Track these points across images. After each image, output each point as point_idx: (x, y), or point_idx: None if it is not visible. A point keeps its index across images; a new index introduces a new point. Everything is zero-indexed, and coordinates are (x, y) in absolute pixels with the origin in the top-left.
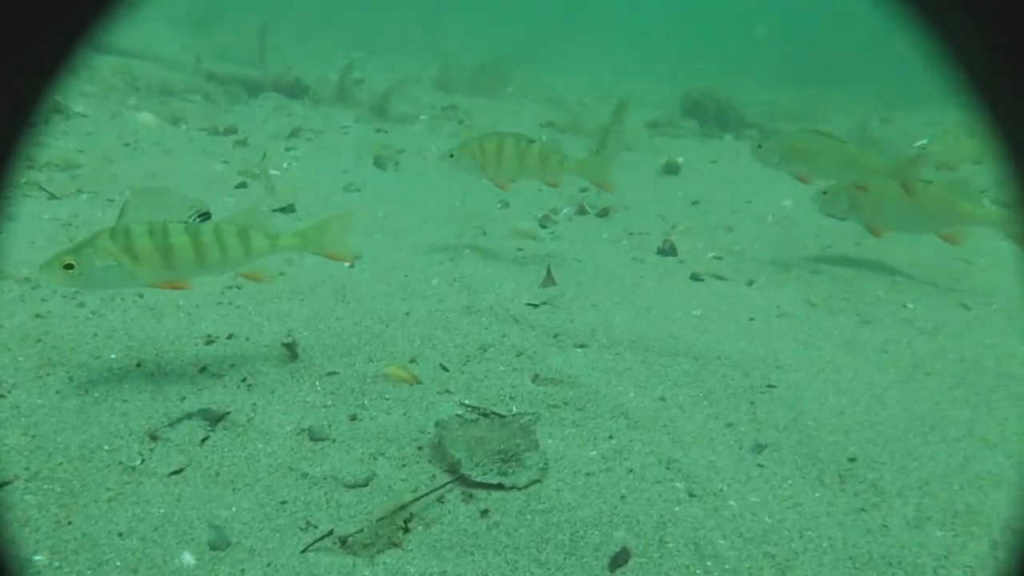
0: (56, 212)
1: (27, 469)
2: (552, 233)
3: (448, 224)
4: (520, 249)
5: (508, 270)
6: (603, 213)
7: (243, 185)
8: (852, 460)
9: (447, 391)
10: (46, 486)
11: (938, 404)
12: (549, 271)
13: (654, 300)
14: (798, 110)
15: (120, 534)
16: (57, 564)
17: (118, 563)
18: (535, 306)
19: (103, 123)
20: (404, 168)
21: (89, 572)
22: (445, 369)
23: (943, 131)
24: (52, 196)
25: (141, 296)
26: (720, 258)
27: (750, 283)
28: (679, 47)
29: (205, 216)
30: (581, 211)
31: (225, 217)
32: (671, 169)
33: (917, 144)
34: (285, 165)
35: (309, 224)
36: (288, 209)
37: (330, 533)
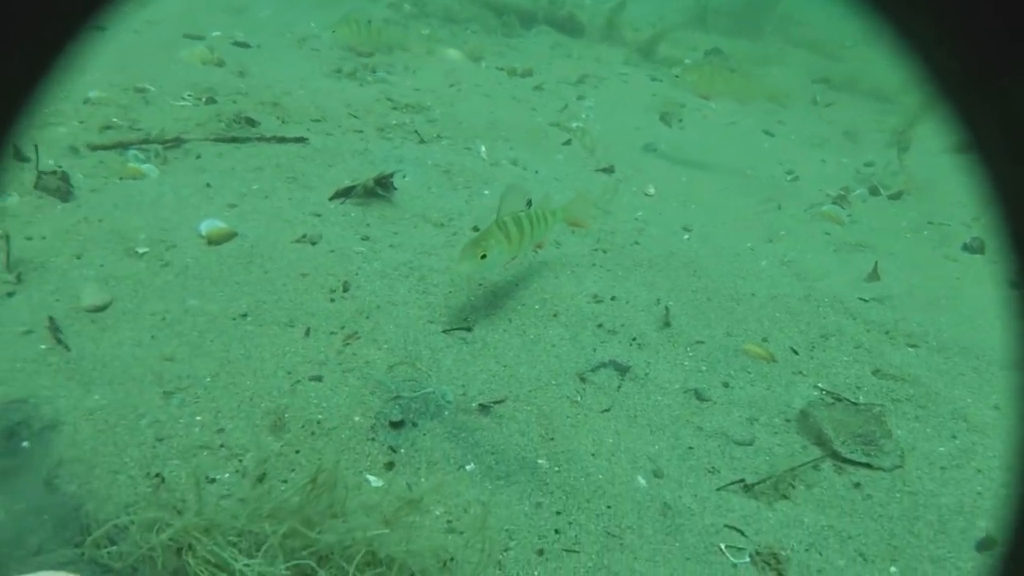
0: (433, 158)
1: (510, 393)
2: (850, 216)
3: (743, 196)
4: (828, 233)
5: (827, 257)
6: (896, 196)
7: (568, 143)
8: None
9: (800, 373)
10: (527, 407)
11: None
12: (876, 268)
13: (976, 307)
14: None
15: (592, 454)
16: (556, 469)
17: (599, 476)
18: (865, 301)
19: (422, 60)
20: (688, 126)
21: (582, 478)
22: (795, 352)
23: (699, 63)
24: (421, 140)
25: (537, 251)
26: None
27: None
28: None
29: (530, 204)
30: (873, 191)
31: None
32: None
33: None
34: (584, 116)
35: (567, 202)
36: (609, 170)
37: (741, 481)
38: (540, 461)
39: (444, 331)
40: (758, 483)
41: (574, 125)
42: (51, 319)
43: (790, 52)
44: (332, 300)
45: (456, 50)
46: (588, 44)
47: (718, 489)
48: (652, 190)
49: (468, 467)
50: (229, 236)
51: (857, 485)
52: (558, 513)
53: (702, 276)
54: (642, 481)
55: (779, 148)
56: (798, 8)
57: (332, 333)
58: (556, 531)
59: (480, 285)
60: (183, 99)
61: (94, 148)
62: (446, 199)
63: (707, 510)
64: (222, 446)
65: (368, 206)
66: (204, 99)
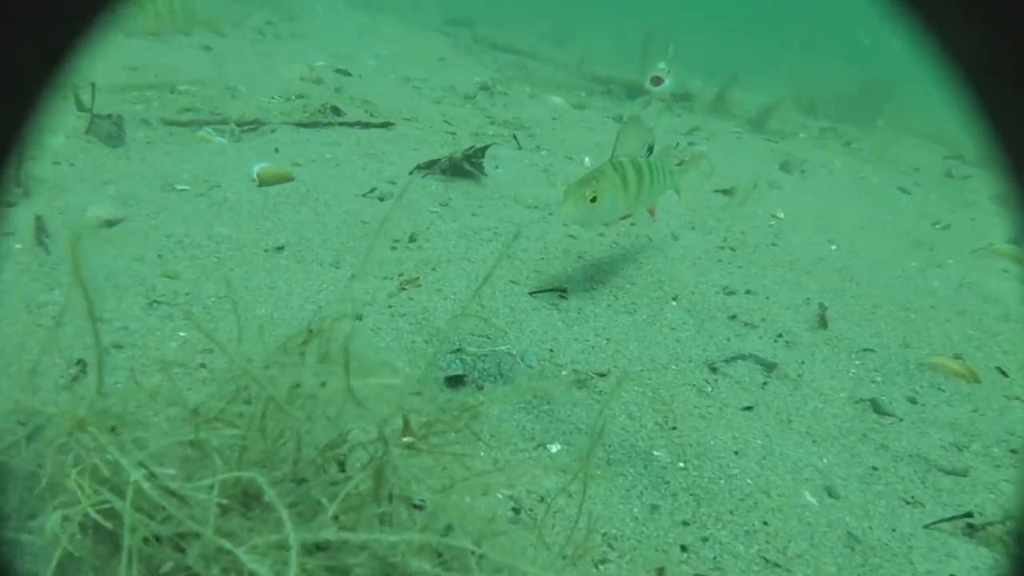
0: (532, 160)
1: (615, 367)
2: None
3: (886, 236)
4: (1006, 271)
5: (1016, 286)
6: None
7: (681, 164)
8: None
9: (1017, 398)
10: (637, 387)
11: None
12: None
13: None
14: None
15: (735, 453)
16: (681, 465)
17: (748, 482)
18: None
19: (525, 102)
20: (811, 177)
21: (722, 481)
22: (1004, 374)
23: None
24: (519, 147)
25: (650, 239)
26: None
27: None
28: None
29: (651, 150)
30: None
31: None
32: None
33: (661, 65)
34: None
35: (681, 168)
36: (728, 192)
37: (968, 516)
38: (656, 452)
39: (531, 293)
40: (989, 525)
41: (688, 155)
42: (38, 218)
43: (904, 139)
44: (394, 248)
45: (560, 97)
46: (697, 114)
47: (926, 526)
48: (781, 214)
49: (551, 447)
50: (283, 178)
51: None
52: (685, 524)
53: (862, 283)
54: (811, 498)
55: (918, 204)
56: (918, 103)
57: (387, 279)
58: (683, 548)
59: (580, 258)
60: (272, 98)
61: (167, 123)
62: (542, 189)
63: (916, 551)
64: (202, 366)
65: (452, 182)
66: (293, 97)
